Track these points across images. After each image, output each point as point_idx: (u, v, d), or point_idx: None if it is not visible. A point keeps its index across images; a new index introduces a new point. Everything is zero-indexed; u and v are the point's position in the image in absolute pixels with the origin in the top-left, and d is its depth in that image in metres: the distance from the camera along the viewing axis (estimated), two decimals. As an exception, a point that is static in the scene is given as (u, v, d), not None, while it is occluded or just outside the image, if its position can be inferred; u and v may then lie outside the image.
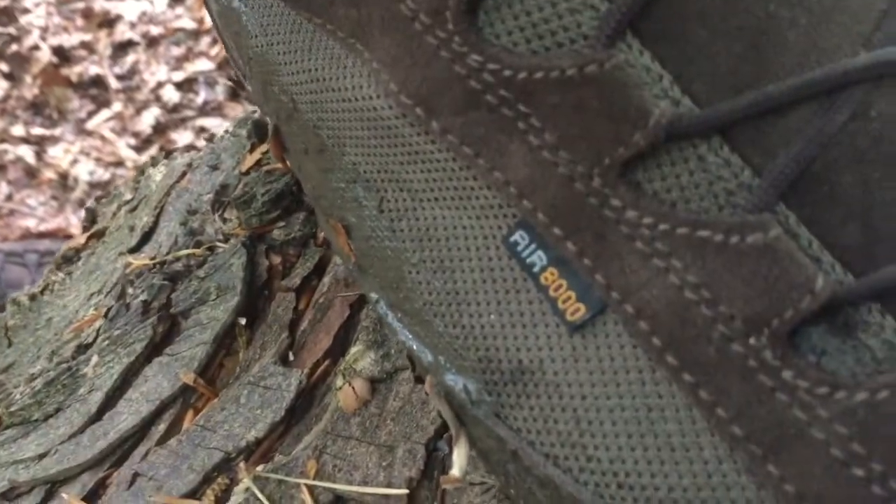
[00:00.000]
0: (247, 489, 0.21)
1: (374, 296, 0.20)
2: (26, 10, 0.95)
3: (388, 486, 0.21)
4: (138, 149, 0.90)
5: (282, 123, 0.21)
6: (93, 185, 0.88)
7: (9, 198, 0.86)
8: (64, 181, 0.88)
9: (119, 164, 0.89)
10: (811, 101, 0.15)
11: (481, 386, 0.18)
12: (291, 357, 0.23)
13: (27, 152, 0.86)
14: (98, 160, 0.89)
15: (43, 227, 0.85)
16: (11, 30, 0.93)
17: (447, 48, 0.16)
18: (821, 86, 0.15)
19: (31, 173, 0.88)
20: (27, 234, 0.85)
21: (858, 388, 0.14)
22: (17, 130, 0.88)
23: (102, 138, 0.90)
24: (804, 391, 0.14)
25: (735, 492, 0.15)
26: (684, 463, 0.15)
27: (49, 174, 0.88)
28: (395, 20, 0.16)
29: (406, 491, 0.21)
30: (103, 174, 0.88)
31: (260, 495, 0.21)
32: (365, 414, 0.22)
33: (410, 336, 0.19)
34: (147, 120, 0.91)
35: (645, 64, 0.15)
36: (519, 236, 0.16)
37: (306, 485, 0.21)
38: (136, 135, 0.90)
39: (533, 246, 0.16)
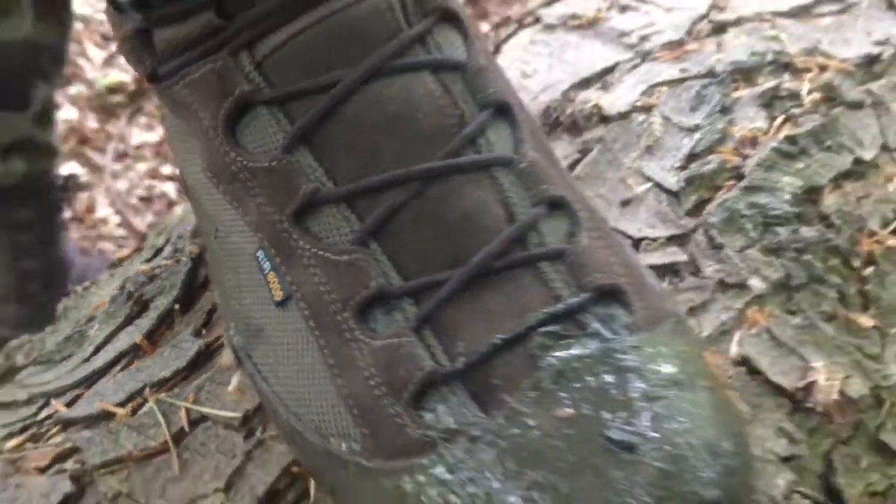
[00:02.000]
0: (151, 406, 0.33)
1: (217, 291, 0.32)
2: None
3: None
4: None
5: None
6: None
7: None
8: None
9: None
10: (396, 185, 0.26)
11: (243, 338, 0.29)
12: (204, 332, 0.36)
13: (170, 188, 1.08)
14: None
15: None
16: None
17: (220, 148, 0.28)
18: (402, 177, 0.26)
19: (171, 205, 1.07)
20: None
21: (381, 339, 0.24)
22: (166, 170, 1.10)
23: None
24: (361, 342, 0.25)
25: (330, 394, 0.25)
26: (318, 385, 0.26)
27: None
28: (202, 132, 0.29)
29: (239, 415, 0.32)
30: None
31: (157, 410, 0.33)
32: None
33: (225, 314, 0.31)
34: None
35: (308, 162, 0.26)
36: (260, 253, 0.28)
37: (185, 406, 0.33)
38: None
39: (264, 258, 0.28)
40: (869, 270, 0.38)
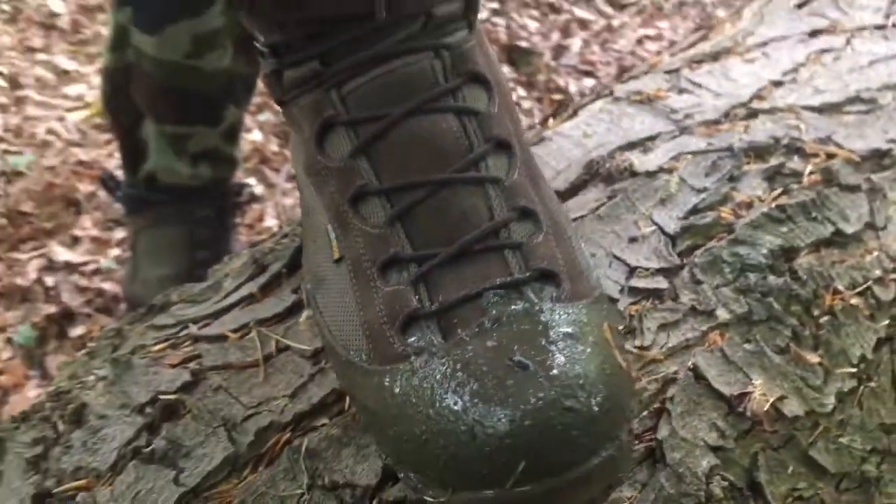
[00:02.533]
0: (253, 335, 0.47)
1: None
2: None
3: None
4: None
5: None
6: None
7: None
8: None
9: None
10: (418, 187, 0.38)
11: (311, 285, 0.42)
12: (299, 291, 0.49)
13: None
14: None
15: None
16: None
17: (312, 152, 0.41)
18: (422, 182, 0.38)
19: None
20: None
21: (390, 287, 0.37)
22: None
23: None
24: (378, 288, 0.37)
25: (355, 322, 0.38)
26: (349, 316, 0.38)
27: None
28: (304, 141, 0.42)
29: (311, 348, 0.45)
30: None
31: (256, 338, 0.46)
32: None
33: (305, 268, 0.44)
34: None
35: (364, 166, 0.39)
36: (328, 226, 0.41)
37: (276, 338, 0.46)
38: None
39: (331, 230, 0.40)
40: (826, 319, 0.46)
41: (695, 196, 0.50)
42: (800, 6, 0.67)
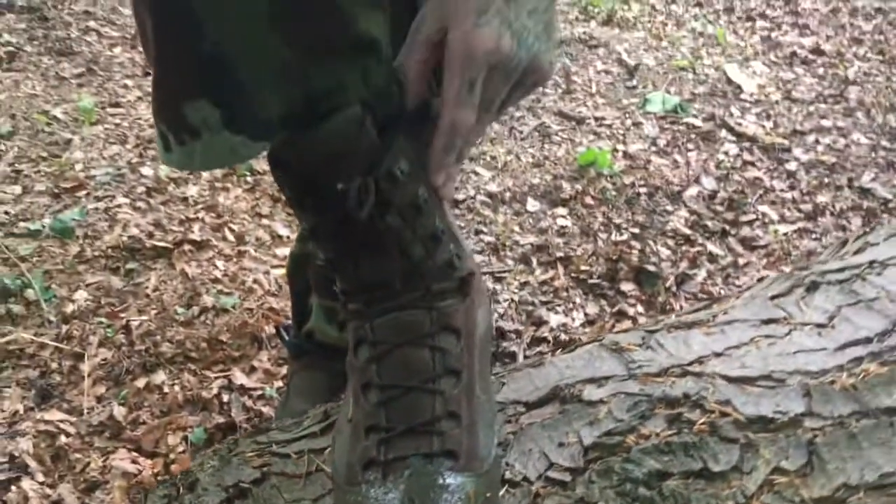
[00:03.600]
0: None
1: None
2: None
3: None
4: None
5: None
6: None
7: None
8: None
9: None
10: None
11: (335, 435, 0.69)
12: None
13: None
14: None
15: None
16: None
17: (350, 353, 0.69)
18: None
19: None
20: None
21: (369, 441, 0.64)
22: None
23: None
24: (364, 445, 0.64)
25: (346, 456, 0.64)
26: (344, 454, 0.65)
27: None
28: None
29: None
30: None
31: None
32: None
33: None
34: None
35: (372, 369, 0.67)
36: (351, 400, 0.68)
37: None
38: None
39: (352, 402, 0.68)
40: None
41: (613, 423, 0.73)
42: (772, 298, 0.89)
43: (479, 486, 0.60)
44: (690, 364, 0.79)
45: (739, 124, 2.27)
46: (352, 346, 0.68)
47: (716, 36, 2.75)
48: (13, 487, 1.23)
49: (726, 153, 2.16)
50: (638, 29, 2.84)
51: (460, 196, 1.93)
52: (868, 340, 0.81)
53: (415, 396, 0.64)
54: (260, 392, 1.45)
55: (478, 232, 1.83)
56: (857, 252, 1.01)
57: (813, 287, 0.89)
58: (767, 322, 0.84)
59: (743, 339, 0.82)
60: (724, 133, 2.24)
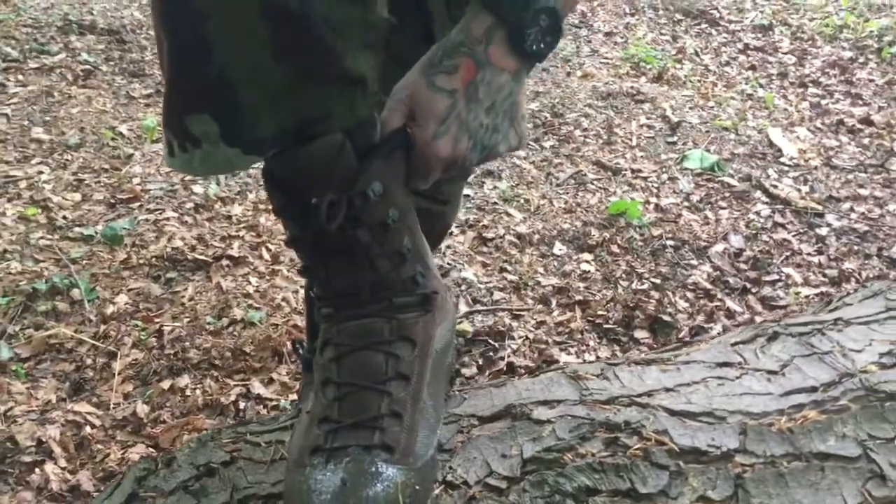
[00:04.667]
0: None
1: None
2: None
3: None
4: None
5: None
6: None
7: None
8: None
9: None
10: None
11: (294, 426, 0.77)
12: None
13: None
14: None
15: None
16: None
17: (318, 352, 0.78)
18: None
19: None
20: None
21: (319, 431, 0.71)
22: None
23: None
24: (314, 433, 0.72)
25: (297, 443, 0.72)
26: (296, 443, 0.73)
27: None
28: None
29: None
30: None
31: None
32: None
33: None
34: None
35: (332, 368, 0.75)
36: (312, 394, 0.76)
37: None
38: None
39: (312, 396, 0.76)
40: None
41: (554, 441, 0.79)
42: (733, 344, 0.94)
43: (409, 479, 0.67)
44: (639, 396, 0.85)
45: (775, 186, 2.30)
46: (319, 347, 0.76)
47: (764, 99, 2.79)
48: (37, 470, 1.34)
49: (758, 213, 2.19)
50: (687, 87, 2.89)
51: (489, 234, 2.00)
52: (813, 389, 0.85)
53: (365, 395, 0.71)
54: (275, 402, 1.53)
55: (502, 270, 1.90)
56: (832, 310, 1.05)
57: (773, 337, 0.94)
58: (722, 365, 0.90)
59: (695, 378, 0.87)
60: (758, 194, 2.27)
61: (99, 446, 1.39)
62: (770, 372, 0.88)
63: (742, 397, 0.85)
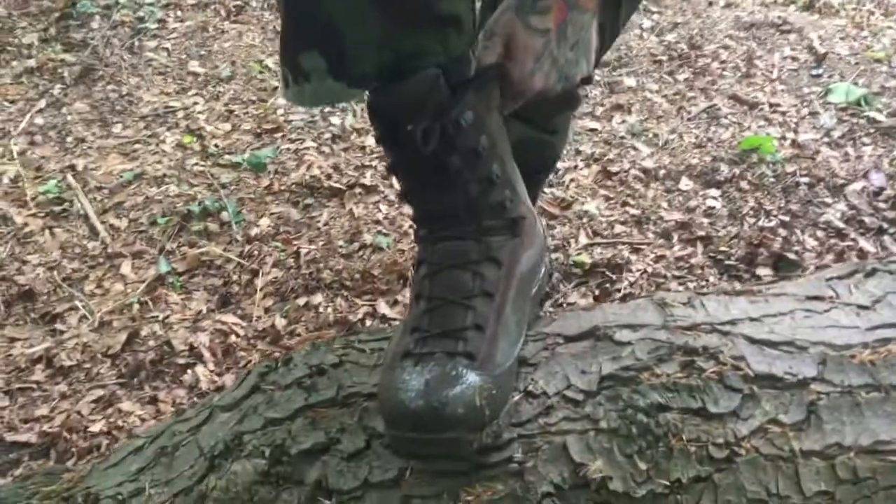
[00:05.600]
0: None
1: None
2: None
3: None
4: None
5: None
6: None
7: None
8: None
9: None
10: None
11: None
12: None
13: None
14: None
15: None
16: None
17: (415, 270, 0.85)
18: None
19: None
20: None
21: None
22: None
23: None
24: (408, 325, 0.80)
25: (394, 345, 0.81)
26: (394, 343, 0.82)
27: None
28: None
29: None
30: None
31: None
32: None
33: None
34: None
35: (426, 283, 0.83)
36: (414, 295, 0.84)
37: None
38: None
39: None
40: (663, 450, 0.78)
41: (632, 361, 0.84)
42: (828, 279, 0.95)
43: (486, 383, 0.74)
44: (722, 324, 0.88)
45: (927, 122, 2.19)
46: (416, 265, 0.84)
47: (926, 28, 2.62)
48: (189, 371, 1.50)
49: (905, 151, 2.10)
50: (840, 16, 2.74)
51: (614, 168, 2.02)
52: (902, 325, 0.86)
53: (452, 308, 0.79)
54: (398, 322, 1.64)
55: (624, 204, 1.92)
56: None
57: (871, 273, 0.94)
58: (812, 298, 0.91)
59: (782, 310, 0.90)
60: (907, 130, 2.17)
61: (242, 353, 1.55)
62: (861, 307, 0.89)
63: (827, 329, 0.87)
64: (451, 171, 0.79)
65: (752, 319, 0.88)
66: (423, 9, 0.73)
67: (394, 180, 1.96)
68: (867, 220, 1.89)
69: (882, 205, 1.93)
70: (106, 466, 0.88)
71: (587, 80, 0.85)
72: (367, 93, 0.79)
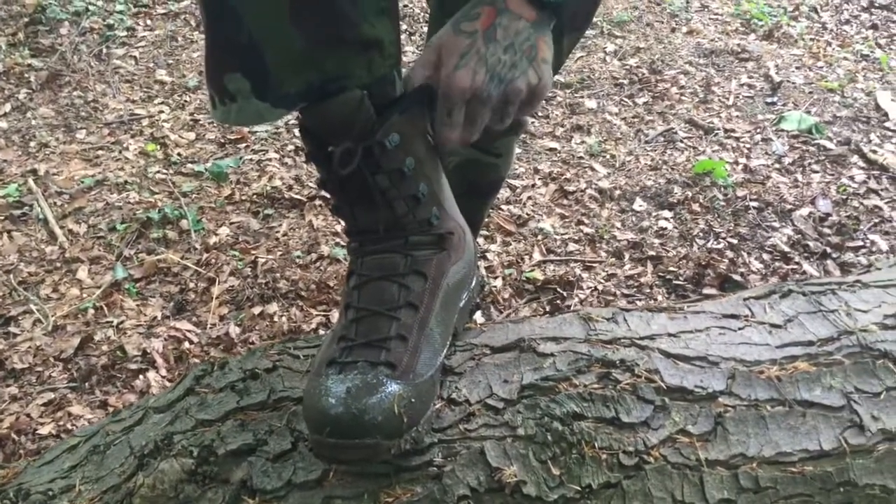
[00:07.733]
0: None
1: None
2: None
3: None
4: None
5: None
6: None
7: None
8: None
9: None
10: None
11: (326, 338, 0.89)
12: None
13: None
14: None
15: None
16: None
17: (345, 282, 0.89)
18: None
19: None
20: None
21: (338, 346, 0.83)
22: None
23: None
24: (335, 348, 0.84)
25: (321, 355, 0.84)
26: (321, 353, 0.85)
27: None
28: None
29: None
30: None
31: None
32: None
33: None
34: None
35: (354, 294, 0.86)
36: (340, 315, 0.88)
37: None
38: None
39: (340, 317, 0.88)
40: (576, 457, 0.82)
41: (552, 372, 0.88)
42: (745, 299, 1.00)
43: (406, 392, 0.78)
44: (641, 338, 0.92)
45: (875, 152, 2.26)
46: (346, 276, 0.87)
47: (879, 61, 2.70)
48: (141, 377, 1.52)
49: (852, 178, 2.16)
50: (798, 46, 2.83)
51: (571, 188, 2.07)
52: (810, 343, 0.91)
53: (378, 319, 0.82)
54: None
55: (579, 222, 1.97)
56: (861, 273, 1.09)
57: (786, 294, 0.99)
58: (728, 316, 0.96)
59: (699, 327, 0.94)
60: (855, 158, 2.24)
61: (195, 360, 1.57)
62: (773, 325, 0.94)
63: (739, 346, 0.91)
64: (377, 189, 0.83)
65: (669, 335, 0.93)
66: (346, 31, 0.76)
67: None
68: (812, 244, 1.95)
69: (827, 230, 1.99)
70: (40, 464, 0.91)
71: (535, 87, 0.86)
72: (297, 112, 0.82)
